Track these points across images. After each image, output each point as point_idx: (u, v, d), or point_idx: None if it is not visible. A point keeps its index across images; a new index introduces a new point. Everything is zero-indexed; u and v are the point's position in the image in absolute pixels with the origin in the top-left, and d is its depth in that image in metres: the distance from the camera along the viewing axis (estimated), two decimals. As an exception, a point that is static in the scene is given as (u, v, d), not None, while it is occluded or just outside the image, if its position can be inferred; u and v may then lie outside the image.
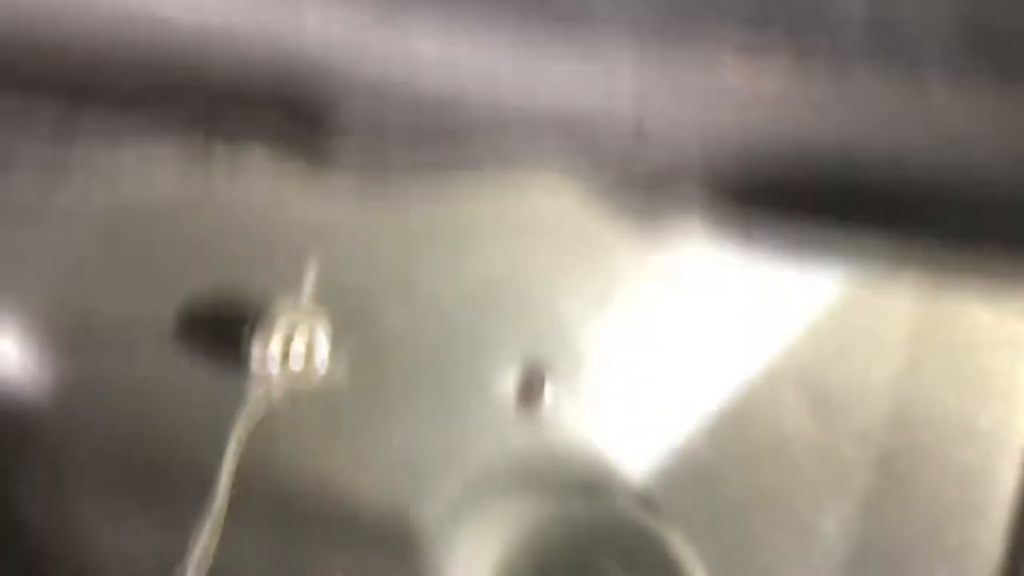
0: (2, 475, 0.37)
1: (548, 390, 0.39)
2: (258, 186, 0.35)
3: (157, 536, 0.36)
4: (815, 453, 0.40)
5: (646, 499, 0.40)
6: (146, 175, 0.33)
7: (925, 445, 0.40)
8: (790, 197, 0.27)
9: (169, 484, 0.37)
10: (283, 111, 0.27)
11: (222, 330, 0.36)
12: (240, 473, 0.37)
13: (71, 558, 0.37)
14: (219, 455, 0.35)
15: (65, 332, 0.37)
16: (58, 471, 0.37)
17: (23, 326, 0.36)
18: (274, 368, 0.36)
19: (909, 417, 0.40)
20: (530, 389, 0.39)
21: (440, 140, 0.28)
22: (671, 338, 0.39)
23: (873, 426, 0.40)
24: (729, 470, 0.40)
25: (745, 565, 0.40)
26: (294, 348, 0.36)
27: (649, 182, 0.27)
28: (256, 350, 0.36)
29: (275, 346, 0.36)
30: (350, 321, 0.37)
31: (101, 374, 0.37)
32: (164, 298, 0.36)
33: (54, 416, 0.37)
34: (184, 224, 0.36)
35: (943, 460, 0.40)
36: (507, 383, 0.39)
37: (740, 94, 0.25)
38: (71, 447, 0.37)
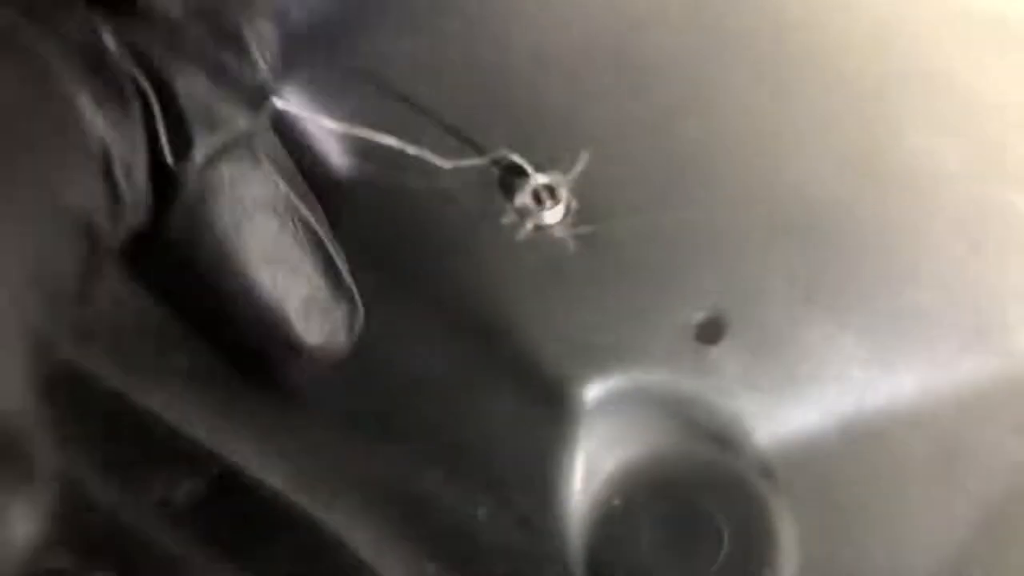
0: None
1: (724, 341, 0.44)
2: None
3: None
4: (929, 496, 0.43)
5: (768, 470, 0.43)
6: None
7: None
8: None
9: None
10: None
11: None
12: (458, 283, 0.42)
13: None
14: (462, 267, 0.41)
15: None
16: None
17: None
18: (526, 216, 0.42)
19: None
20: (710, 330, 0.44)
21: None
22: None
23: (990, 493, 0.43)
24: (849, 476, 0.43)
25: (830, 563, 0.42)
26: (544, 204, 0.42)
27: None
28: (519, 195, 0.42)
29: (528, 198, 0.42)
30: (594, 207, 0.43)
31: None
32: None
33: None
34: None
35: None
36: (694, 315, 0.44)
37: None
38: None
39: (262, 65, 0.28)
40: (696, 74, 0.44)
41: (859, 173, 0.46)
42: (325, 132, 0.44)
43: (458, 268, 0.43)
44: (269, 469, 0.44)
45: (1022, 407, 0.44)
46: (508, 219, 0.43)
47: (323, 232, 0.33)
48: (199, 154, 0.27)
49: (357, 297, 0.36)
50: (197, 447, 0.41)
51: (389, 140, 0.37)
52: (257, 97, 0.29)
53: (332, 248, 0.34)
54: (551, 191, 0.42)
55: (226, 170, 0.29)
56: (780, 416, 0.44)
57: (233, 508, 0.41)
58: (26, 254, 0.20)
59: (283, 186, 0.31)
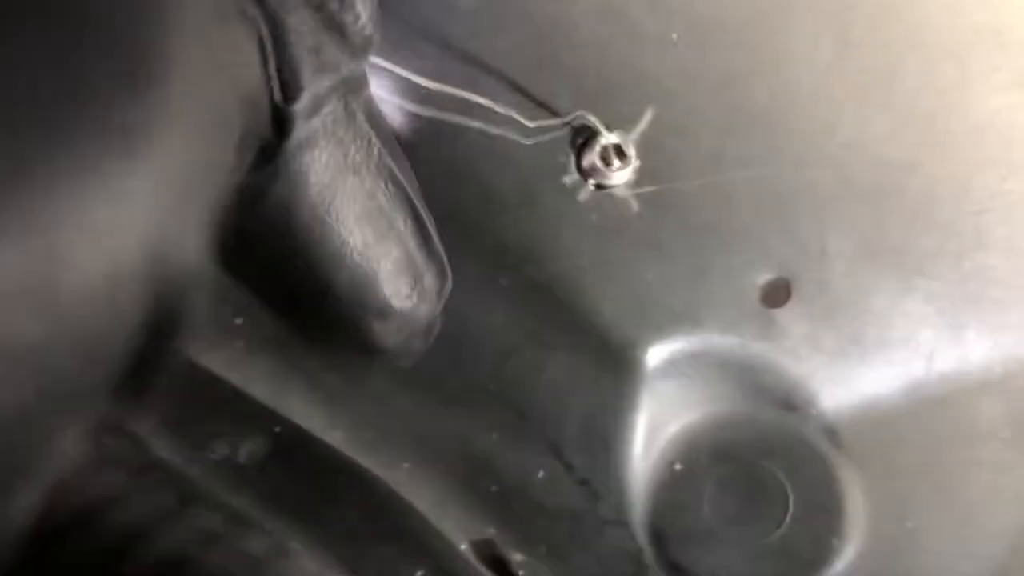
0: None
1: (789, 303, 0.43)
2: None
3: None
4: (998, 461, 0.42)
5: (833, 433, 0.43)
6: None
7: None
8: None
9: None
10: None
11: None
12: (518, 244, 0.42)
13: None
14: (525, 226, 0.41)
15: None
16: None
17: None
18: (589, 174, 0.42)
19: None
20: (775, 292, 0.43)
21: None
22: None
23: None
24: (915, 439, 0.42)
25: (899, 528, 0.42)
26: (612, 164, 0.41)
27: None
28: (586, 155, 0.42)
29: (596, 158, 0.42)
30: (658, 167, 0.42)
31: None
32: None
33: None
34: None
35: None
36: (759, 277, 0.43)
37: None
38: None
39: (363, 14, 0.27)
40: (762, 29, 0.43)
41: (927, 132, 0.44)
42: (385, 88, 0.43)
43: (520, 229, 0.42)
44: (331, 428, 0.44)
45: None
46: (570, 179, 0.42)
47: (415, 194, 0.32)
48: (307, 96, 0.26)
49: (446, 262, 0.35)
50: (258, 407, 0.41)
51: (481, 99, 0.36)
52: (360, 46, 0.29)
53: (424, 211, 0.33)
54: (619, 151, 0.41)
55: (328, 122, 0.28)
56: (846, 380, 0.43)
57: (295, 466, 0.41)
58: (216, 118, 0.20)
59: (378, 145, 0.30)
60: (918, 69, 0.44)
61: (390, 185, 0.31)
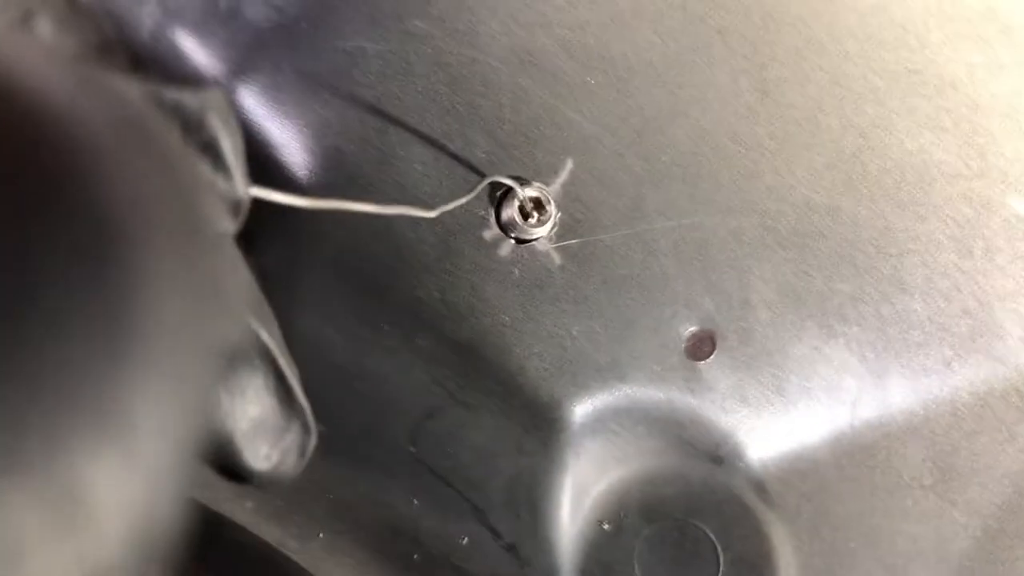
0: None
1: (714, 355, 0.42)
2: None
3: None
4: (925, 507, 0.42)
5: (761, 486, 0.42)
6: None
7: (1029, 539, 0.42)
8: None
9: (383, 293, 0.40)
10: None
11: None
12: (437, 301, 0.40)
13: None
14: (444, 283, 0.39)
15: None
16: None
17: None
18: (508, 229, 0.40)
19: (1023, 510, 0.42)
20: (699, 344, 0.42)
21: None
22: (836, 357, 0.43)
23: (986, 506, 0.42)
24: (842, 489, 0.42)
25: (829, 581, 0.41)
26: (530, 219, 0.40)
27: None
28: (505, 210, 0.40)
29: (515, 212, 0.40)
30: (579, 218, 0.40)
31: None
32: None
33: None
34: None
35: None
36: (683, 329, 0.42)
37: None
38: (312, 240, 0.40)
39: (237, 174, 0.25)
40: (681, 74, 0.42)
41: (848, 174, 0.44)
42: (290, 138, 0.41)
43: (439, 285, 0.40)
44: (240, 498, 0.41)
45: (1015, 416, 0.43)
46: (490, 234, 0.40)
47: (275, 346, 0.30)
48: None
49: (310, 418, 0.33)
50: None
51: (364, 207, 0.34)
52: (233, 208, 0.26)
53: (285, 363, 0.31)
54: (537, 204, 0.39)
55: None
56: (772, 431, 0.42)
57: (199, 548, 0.38)
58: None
59: None
60: (838, 110, 0.44)
61: (247, 340, 0.29)
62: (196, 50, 0.42)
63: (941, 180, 0.44)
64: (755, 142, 0.43)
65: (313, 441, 0.33)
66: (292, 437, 0.32)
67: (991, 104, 0.45)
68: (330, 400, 0.41)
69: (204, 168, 0.24)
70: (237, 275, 0.24)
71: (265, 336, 0.30)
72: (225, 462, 0.28)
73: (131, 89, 0.21)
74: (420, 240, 0.40)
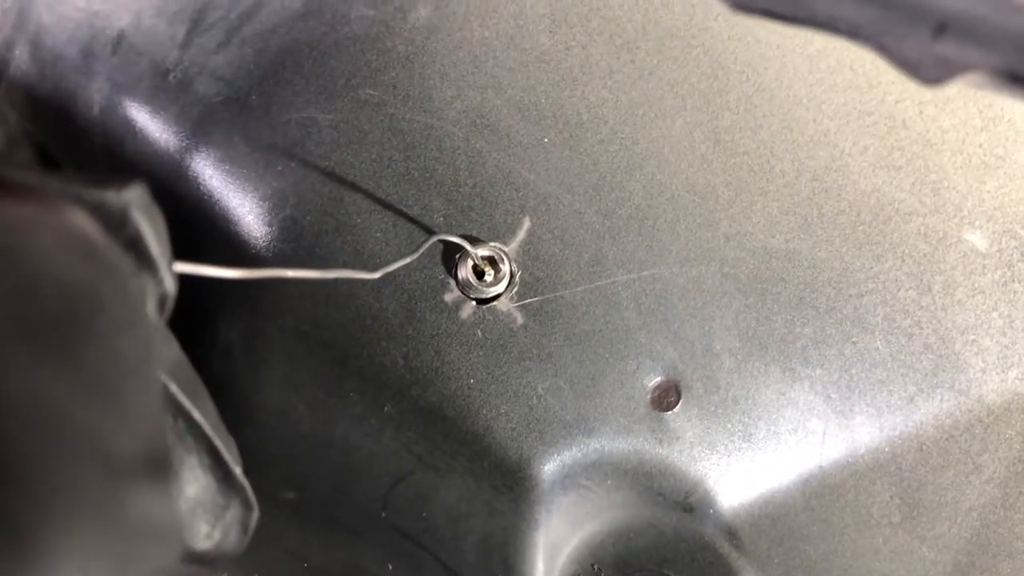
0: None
1: (679, 405, 0.42)
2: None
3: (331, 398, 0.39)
4: (894, 545, 0.42)
5: (733, 533, 0.42)
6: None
7: (1006, 573, 0.42)
8: None
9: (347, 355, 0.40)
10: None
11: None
12: (402, 367, 0.40)
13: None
14: (407, 348, 0.39)
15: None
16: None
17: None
18: (465, 289, 0.40)
19: (991, 543, 0.42)
20: (665, 394, 0.42)
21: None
22: (800, 400, 0.43)
23: (954, 540, 0.42)
24: (812, 532, 0.42)
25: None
26: (484, 278, 0.40)
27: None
28: (460, 271, 0.40)
29: (468, 272, 0.40)
30: (540, 276, 0.41)
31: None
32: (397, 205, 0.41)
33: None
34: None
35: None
36: (648, 381, 0.42)
37: None
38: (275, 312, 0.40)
39: (163, 267, 0.25)
40: (634, 126, 0.43)
41: (803, 220, 0.45)
42: (246, 211, 0.41)
43: (402, 351, 0.40)
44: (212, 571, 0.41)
45: (980, 447, 0.43)
46: (451, 296, 0.40)
47: (209, 425, 0.30)
48: None
49: (250, 494, 0.33)
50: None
51: (304, 274, 0.34)
52: (160, 301, 0.26)
53: (220, 442, 0.30)
54: (492, 262, 0.39)
55: None
56: (741, 477, 0.43)
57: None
58: None
59: (164, 379, 0.28)
60: (791, 155, 0.44)
61: (180, 421, 0.29)
62: (148, 123, 0.42)
63: (897, 218, 0.45)
64: (710, 191, 0.44)
65: (255, 516, 0.32)
66: (232, 514, 0.31)
67: (941, 139, 0.46)
68: (300, 469, 0.41)
69: (129, 264, 0.24)
70: (154, 364, 0.23)
71: (198, 416, 0.30)
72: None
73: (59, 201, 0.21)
74: (383, 308, 0.40)
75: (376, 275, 0.36)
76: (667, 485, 0.42)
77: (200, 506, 0.30)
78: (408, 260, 0.37)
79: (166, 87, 0.41)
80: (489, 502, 0.41)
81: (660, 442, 0.42)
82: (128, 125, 0.41)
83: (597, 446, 0.42)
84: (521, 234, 0.40)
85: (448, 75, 0.41)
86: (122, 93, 0.41)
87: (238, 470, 0.31)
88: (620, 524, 0.42)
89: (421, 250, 0.38)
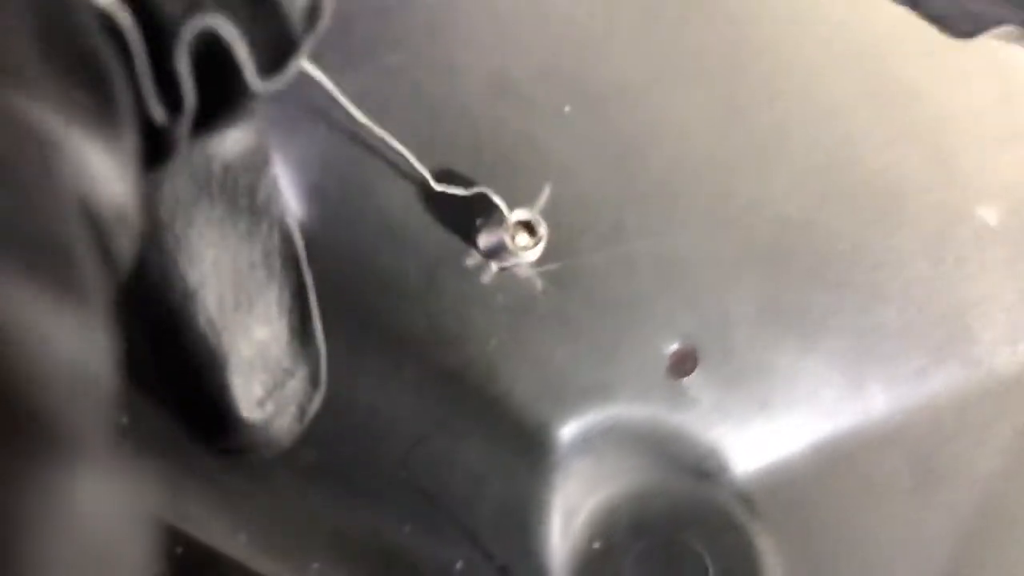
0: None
1: (696, 371, 0.43)
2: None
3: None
4: (907, 513, 0.43)
5: (747, 498, 0.43)
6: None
7: (1008, 540, 0.43)
8: None
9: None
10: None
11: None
12: (424, 330, 0.41)
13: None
14: (429, 312, 0.40)
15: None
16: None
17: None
18: (494, 256, 0.41)
19: (998, 512, 0.43)
20: (682, 361, 0.43)
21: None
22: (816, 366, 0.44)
23: (963, 508, 0.43)
24: (825, 498, 0.43)
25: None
26: (516, 242, 0.40)
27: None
28: (484, 236, 0.41)
29: (506, 236, 0.40)
30: (561, 242, 0.41)
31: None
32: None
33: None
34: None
35: None
36: (666, 347, 0.43)
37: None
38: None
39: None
40: (654, 97, 0.43)
41: (820, 189, 0.45)
42: (282, 175, 0.41)
43: (424, 314, 0.41)
44: (234, 532, 0.41)
45: (990, 417, 0.44)
46: (473, 261, 0.41)
47: (303, 258, 0.26)
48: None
49: (323, 366, 0.29)
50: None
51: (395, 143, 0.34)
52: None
53: (309, 284, 0.25)
54: (527, 227, 0.40)
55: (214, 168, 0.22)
56: (756, 443, 0.43)
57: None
58: None
59: (272, 212, 0.24)
60: (806, 128, 0.45)
61: (273, 232, 0.24)
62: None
63: (910, 192, 0.46)
64: (729, 161, 0.44)
65: (318, 400, 0.26)
66: (295, 386, 0.25)
67: (954, 114, 0.46)
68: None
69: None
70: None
71: (295, 234, 0.25)
72: (210, 398, 0.23)
73: None
74: (404, 271, 0.41)
75: (437, 187, 0.36)
76: (683, 451, 0.43)
77: (263, 359, 0.25)
78: (462, 191, 0.38)
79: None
80: (508, 465, 0.41)
81: (676, 408, 0.43)
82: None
83: (614, 411, 0.42)
84: (542, 200, 0.40)
85: (471, 42, 0.42)
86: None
87: (319, 326, 0.26)
88: (636, 489, 0.43)
89: (473, 191, 0.38)
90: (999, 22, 0.27)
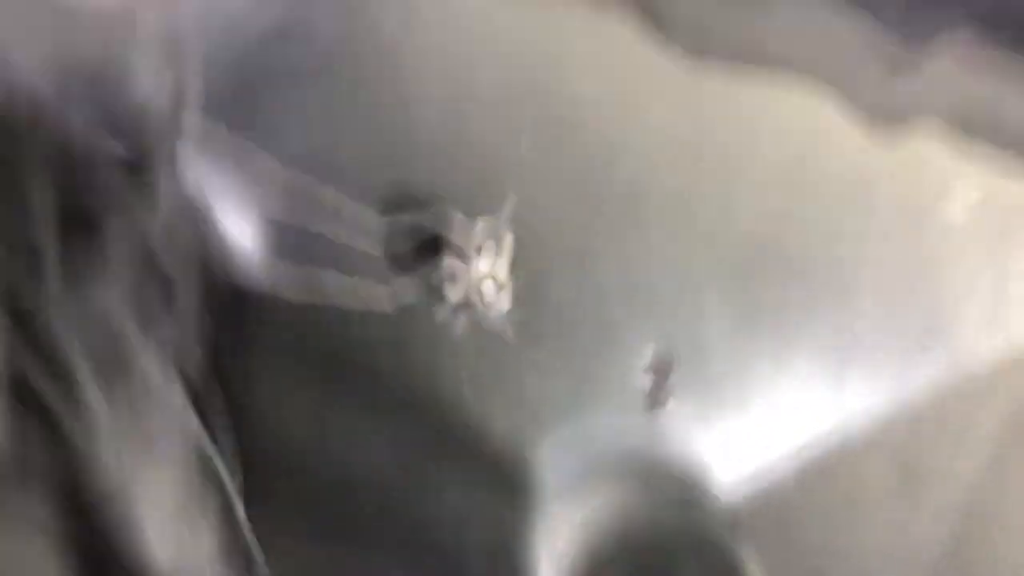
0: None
1: (674, 389, 0.42)
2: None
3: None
4: (893, 519, 0.43)
5: (735, 522, 0.42)
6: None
7: (994, 541, 0.43)
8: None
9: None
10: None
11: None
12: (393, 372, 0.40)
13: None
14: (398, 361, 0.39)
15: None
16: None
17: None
18: (454, 279, 0.39)
19: (987, 507, 0.43)
20: (659, 378, 0.42)
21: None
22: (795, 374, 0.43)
23: (950, 508, 0.43)
24: (810, 511, 0.43)
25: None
26: (478, 264, 0.39)
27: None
28: (446, 260, 0.39)
29: (460, 259, 0.39)
30: (525, 258, 0.40)
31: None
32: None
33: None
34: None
35: (1010, 561, 0.43)
36: (640, 366, 0.42)
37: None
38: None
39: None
40: (616, 116, 0.42)
41: (786, 188, 0.44)
42: (239, 226, 0.39)
43: (393, 356, 0.40)
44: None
45: (972, 416, 0.44)
46: (442, 314, 0.40)
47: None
48: None
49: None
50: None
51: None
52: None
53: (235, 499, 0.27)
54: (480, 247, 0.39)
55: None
56: (739, 456, 0.43)
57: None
58: None
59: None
60: (774, 129, 0.44)
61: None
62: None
63: (880, 188, 0.45)
64: (691, 169, 0.43)
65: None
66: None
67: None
68: (294, 484, 0.40)
69: None
70: None
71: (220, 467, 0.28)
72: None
73: None
74: (369, 312, 0.40)
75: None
76: (666, 477, 0.43)
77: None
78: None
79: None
80: (490, 505, 0.41)
81: (656, 430, 0.42)
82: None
83: (593, 433, 0.42)
84: (505, 214, 0.39)
85: (422, 82, 0.40)
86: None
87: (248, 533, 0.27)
88: (623, 516, 0.42)
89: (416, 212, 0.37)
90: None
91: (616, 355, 0.42)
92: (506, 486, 0.41)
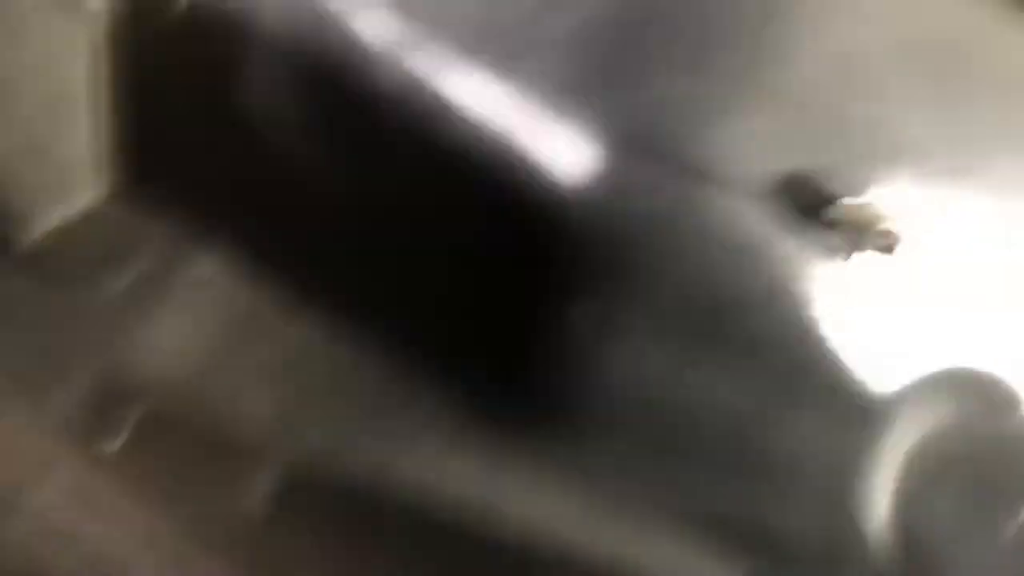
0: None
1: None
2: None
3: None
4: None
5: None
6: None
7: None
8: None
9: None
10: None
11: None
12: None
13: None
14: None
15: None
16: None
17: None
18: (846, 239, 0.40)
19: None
20: None
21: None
22: None
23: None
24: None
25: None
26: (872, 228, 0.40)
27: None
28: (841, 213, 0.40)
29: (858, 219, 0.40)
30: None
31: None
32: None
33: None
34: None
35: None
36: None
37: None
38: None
39: None
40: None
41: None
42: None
43: (763, 310, 0.41)
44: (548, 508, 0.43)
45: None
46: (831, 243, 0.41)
47: None
48: None
49: None
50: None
51: None
52: None
53: None
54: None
55: None
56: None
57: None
58: None
59: None
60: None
61: None
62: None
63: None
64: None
65: None
66: None
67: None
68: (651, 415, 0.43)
69: None
70: None
71: None
72: None
73: None
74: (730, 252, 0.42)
75: None
76: (974, 390, 0.45)
77: None
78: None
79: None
80: (833, 432, 0.43)
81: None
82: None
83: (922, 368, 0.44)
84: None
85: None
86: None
87: None
88: (937, 434, 0.44)
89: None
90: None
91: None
92: (851, 412, 0.43)
